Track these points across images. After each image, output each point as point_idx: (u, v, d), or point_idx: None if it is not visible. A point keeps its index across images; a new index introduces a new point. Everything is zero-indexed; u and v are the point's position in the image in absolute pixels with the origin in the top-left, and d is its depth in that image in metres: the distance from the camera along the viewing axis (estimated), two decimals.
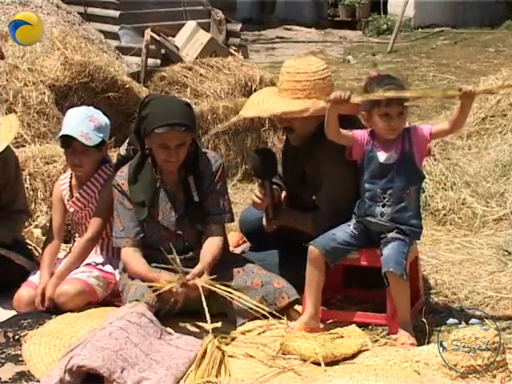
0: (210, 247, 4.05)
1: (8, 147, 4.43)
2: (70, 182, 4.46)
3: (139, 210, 4.09)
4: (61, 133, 4.31)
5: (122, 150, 4.34)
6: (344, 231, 3.92)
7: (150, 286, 3.86)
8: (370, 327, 3.95)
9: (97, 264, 4.34)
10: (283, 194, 4.36)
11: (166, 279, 3.83)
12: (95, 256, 4.40)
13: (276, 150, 6.52)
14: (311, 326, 3.87)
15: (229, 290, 3.80)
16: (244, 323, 4.00)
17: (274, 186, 4.27)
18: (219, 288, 3.79)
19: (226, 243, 4.28)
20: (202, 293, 3.73)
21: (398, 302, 3.80)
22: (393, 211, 3.85)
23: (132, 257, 4.08)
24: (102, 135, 4.29)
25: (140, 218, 4.10)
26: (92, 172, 4.39)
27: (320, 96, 4.01)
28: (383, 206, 3.87)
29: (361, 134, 3.91)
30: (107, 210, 4.25)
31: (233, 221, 4.31)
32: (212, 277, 3.84)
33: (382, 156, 3.86)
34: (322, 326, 3.93)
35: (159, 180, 4.13)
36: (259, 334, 3.91)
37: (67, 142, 4.28)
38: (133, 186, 4.11)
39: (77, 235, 4.54)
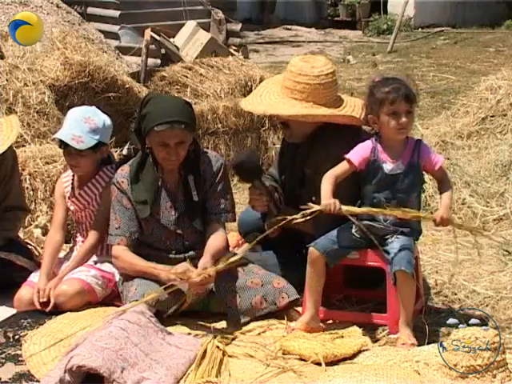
0: (214, 241, 4.07)
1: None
2: (73, 179, 4.46)
3: (141, 208, 4.10)
4: (56, 135, 4.32)
5: (125, 150, 4.34)
6: (345, 234, 3.91)
7: (165, 288, 3.85)
8: (370, 327, 3.95)
9: (95, 263, 4.34)
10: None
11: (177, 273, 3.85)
12: (94, 255, 4.39)
13: (276, 150, 6.54)
14: (312, 325, 3.87)
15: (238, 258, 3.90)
16: (244, 322, 3.99)
17: (267, 183, 4.27)
18: (231, 262, 3.86)
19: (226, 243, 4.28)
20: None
21: (404, 301, 3.78)
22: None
23: (125, 254, 4.09)
24: (97, 137, 4.27)
25: (142, 216, 4.10)
26: (93, 172, 4.39)
27: (318, 100, 4.02)
28: None
29: (362, 150, 3.85)
30: (109, 213, 4.24)
31: (234, 220, 4.32)
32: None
33: (387, 166, 3.83)
34: (322, 325, 3.93)
35: (160, 179, 4.14)
36: (259, 334, 3.91)
37: (64, 143, 4.29)
38: (135, 185, 4.12)
39: (78, 234, 4.54)
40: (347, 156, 3.84)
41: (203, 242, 4.11)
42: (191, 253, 4.11)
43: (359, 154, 3.86)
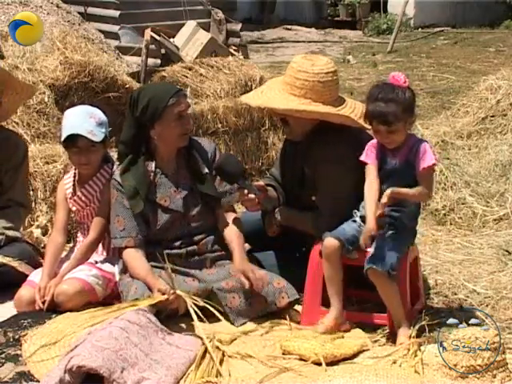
0: (231, 229, 4.17)
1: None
2: (74, 180, 4.47)
3: (134, 203, 4.12)
4: (67, 133, 4.28)
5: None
6: (351, 226, 3.89)
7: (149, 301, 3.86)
8: (370, 327, 3.94)
9: (96, 262, 4.34)
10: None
11: (161, 289, 3.85)
12: (95, 254, 4.39)
13: (276, 150, 6.55)
14: (339, 321, 3.86)
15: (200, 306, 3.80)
16: (244, 323, 4.00)
17: (255, 183, 4.28)
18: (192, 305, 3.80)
19: None
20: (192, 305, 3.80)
21: (386, 300, 3.78)
22: (389, 209, 3.83)
23: (134, 258, 4.10)
24: (103, 130, 4.32)
25: (136, 211, 4.12)
26: (95, 170, 4.40)
27: (316, 98, 4.03)
28: None
29: (371, 148, 3.87)
30: (109, 210, 4.25)
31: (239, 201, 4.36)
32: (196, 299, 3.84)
33: (388, 160, 3.83)
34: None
35: (158, 170, 4.19)
36: (260, 334, 3.91)
37: (72, 141, 4.28)
38: (125, 175, 4.16)
39: (79, 234, 4.54)
40: (364, 160, 3.84)
41: (211, 222, 4.22)
42: (199, 237, 4.17)
43: (371, 152, 3.86)
